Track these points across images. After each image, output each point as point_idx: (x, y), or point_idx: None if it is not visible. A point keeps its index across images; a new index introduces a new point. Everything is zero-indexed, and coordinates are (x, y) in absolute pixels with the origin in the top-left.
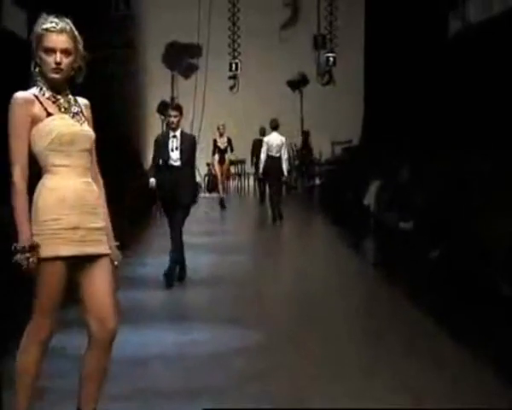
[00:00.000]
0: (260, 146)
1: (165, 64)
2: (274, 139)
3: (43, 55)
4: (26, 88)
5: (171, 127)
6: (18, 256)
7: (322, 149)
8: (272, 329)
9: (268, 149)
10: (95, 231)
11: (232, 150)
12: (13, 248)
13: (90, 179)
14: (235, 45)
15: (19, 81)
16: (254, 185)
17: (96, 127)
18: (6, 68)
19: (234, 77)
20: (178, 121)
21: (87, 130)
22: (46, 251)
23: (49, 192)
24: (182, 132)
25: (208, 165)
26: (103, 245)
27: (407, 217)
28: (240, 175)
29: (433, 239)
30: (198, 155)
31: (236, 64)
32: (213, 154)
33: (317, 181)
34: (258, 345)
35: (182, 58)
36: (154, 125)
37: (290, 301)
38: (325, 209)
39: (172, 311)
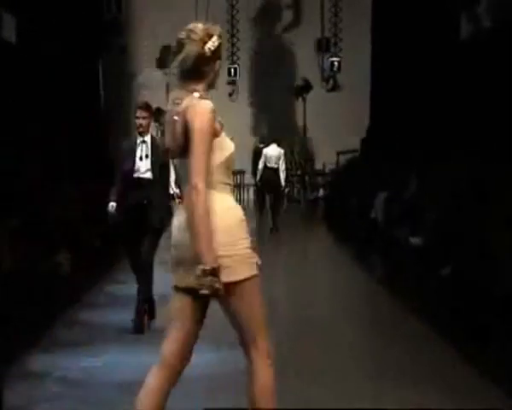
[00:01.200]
0: (261, 155)
1: (160, 69)
2: (272, 151)
3: (218, 66)
4: (16, 93)
5: (138, 131)
6: (206, 279)
7: (327, 158)
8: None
9: (266, 161)
10: None
11: None
12: (200, 270)
13: None
14: (234, 49)
15: (10, 86)
16: (254, 198)
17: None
18: None
19: (232, 83)
20: (148, 124)
21: None
22: (245, 271)
23: (228, 212)
24: (152, 138)
25: None
26: None
27: (416, 231)
28: (239, 187)
29: (445, 255)
30: None
31: (235, 69)
32: None
33: (321, 193)
34: None
35: None
36: None
37: (292, 321)
38: (330, 223)
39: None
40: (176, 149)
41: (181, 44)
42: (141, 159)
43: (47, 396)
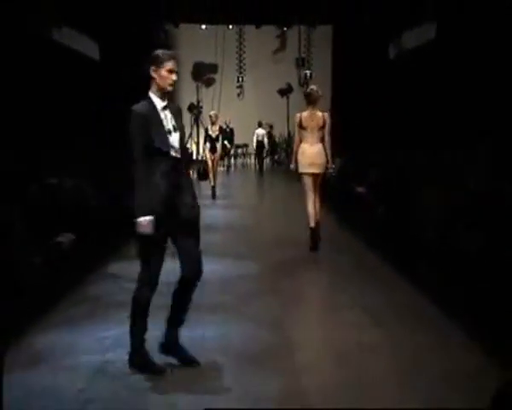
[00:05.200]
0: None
1: (193, 78)
2: (260, 132)
3: None
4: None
5: (167, 91)
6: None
7: None
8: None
9: (257, 137)
10: None
11: (223, 140)
12: (328, 167)
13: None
14: (242, 65)
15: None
16: (254, 162)
17: None
18: (82, 83)
19: (240, 87)
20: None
21: None
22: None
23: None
24: (169, 102)
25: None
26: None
27: (362, 184)
28: (244, 155)
29: (380, 199)
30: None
31: (242, 78)
32: (205, 142)
33: None
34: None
35: (204, 73)
36: (185, 120)
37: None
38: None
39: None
40: (316, 127)
41: (315, 93)
42: (169, 132)
43: (112, 291)
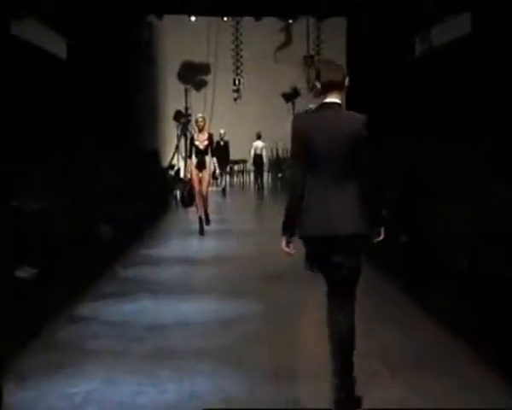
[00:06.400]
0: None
1: (180, 79)
2: (258, 144)
3: None
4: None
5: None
6: None
7: None
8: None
9: (255, 150)
10: None
11: (213, 153)
12: None
13: None
14: (239, 64)
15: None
16: (253, 179)
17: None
18: (46, 86)
19: (237, 90)
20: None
21: None
22: None
23: None
24: None
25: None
26: None
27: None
28: (242, 172)
29: (403, 225)
30: None
31: (239, 80)
32: (190, 156)
33: None
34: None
35: (194, 74)
36: (170, 130)
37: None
38: None
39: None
40: None
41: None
42: None
43: (96, 334)
